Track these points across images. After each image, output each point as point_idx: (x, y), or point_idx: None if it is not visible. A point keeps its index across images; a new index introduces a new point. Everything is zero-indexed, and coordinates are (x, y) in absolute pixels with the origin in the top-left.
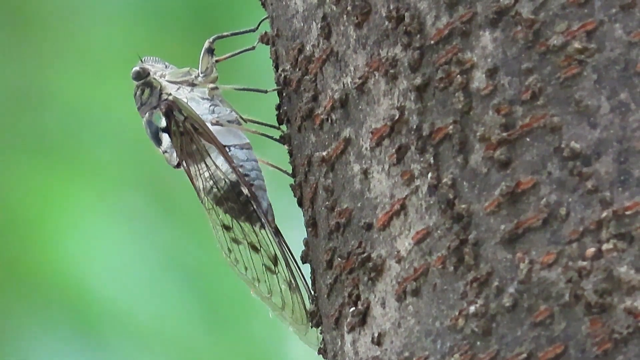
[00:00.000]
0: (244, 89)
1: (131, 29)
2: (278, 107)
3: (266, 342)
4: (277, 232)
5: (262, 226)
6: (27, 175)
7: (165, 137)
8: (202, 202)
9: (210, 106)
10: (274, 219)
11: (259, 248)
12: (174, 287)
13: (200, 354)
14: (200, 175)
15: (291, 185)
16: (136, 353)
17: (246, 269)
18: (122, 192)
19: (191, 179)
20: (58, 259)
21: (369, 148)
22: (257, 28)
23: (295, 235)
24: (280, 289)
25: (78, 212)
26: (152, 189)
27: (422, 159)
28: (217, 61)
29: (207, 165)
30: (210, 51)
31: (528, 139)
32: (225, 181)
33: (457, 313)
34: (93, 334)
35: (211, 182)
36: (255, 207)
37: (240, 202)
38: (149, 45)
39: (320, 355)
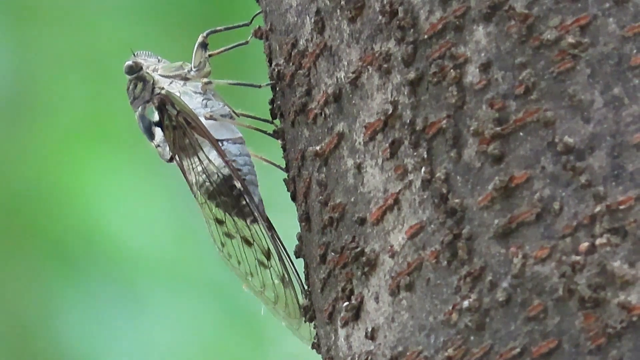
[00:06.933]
0: (237, 84)
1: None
2: (271, 102)
3: None
4: (270, 227)
5: (254, 220)
6: (56, 134)
7: (158, 131)
8: (194, 196)
9: (203, 100)
10: (264, 214)
11: (252, 242)
12: (204, 235)
13: (231, 296)
14: (192, 169)
15: (284, 180)
16: (168, 299)
17: (239, 263)
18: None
19: (184, 173)
20: (90, 213)
21: (362, 142)
22: (250, 22)
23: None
24: (274, 283)
25: (108, 168)
26: None
27: (415, 154)
28: (210, 55)
29: (199, 159)
30: (204, 45)
31: (521, 134)
32: (218, 175)
33: (450, 308)
34: (126, 284)
35: (204, 176)
36: (247, 200)
37: (232, 195)
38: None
39: (314, 350)
